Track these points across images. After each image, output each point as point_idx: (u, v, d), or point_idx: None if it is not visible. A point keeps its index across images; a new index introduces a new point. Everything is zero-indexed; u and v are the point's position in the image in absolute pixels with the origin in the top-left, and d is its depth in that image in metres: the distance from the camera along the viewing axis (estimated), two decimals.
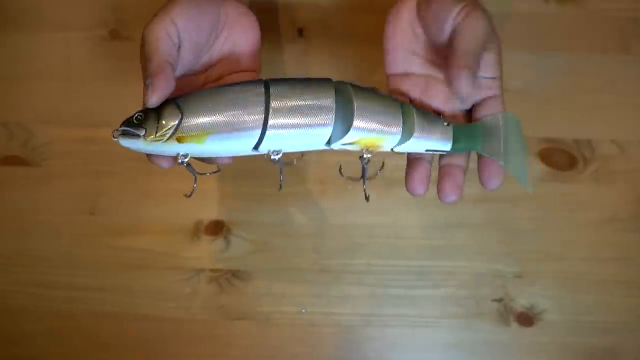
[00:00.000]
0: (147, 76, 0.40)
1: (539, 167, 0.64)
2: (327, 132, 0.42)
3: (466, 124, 0.45)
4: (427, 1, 0.46)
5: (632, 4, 0.67)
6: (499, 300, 0.62)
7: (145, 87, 0.40)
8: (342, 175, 0.46)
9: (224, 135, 0.41)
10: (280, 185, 0.45)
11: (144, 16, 0.66)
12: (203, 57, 0.46)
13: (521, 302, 0.62)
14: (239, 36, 0.47)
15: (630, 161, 0.64)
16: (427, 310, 0.62)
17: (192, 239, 0.64)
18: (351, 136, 0.42)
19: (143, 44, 0.42)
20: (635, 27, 0.67)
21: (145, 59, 0.41)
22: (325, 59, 0.67)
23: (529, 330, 0.62)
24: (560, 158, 0.65)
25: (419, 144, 0.44)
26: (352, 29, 0.68)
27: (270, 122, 0.41)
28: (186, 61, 0.44)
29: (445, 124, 0.44)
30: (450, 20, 0.44)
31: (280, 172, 0.44)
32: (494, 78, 0.45)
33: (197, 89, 0.46)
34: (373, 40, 0.67)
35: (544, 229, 0.63)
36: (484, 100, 0.45)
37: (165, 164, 0.43)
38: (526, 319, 0.62)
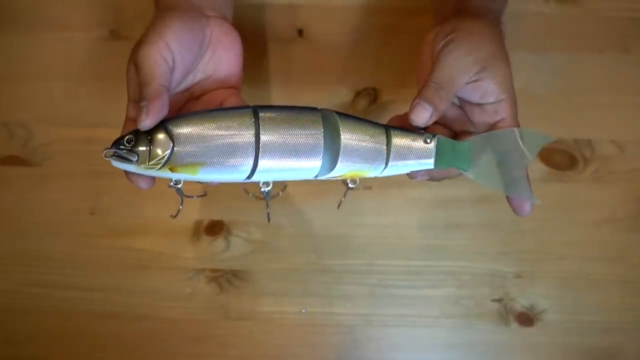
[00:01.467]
0: (142, 99, 0.40)
1: (539, 167, 0.64)
2: (315, 167, 0.43)
3: (454, 141, 0.45)
4: (436, 35, 0.46)
5: (631, 4, 0.67)
6: (499, 300, 0.62)
7: (140, 108, 0.40)
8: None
9: (216, 169, 0.41)
10: (269, 218, 0.47)
11: (143, 16, 0.67)
12: (188, 76, 0.47)
13: (521, 302, 0.62)
14: (222, 56, 0.48)
15: (630, 161, 0.64)
16: (427, 310, 0.62)
17: (192, 239, 0.64)
18: (337, 171, 0.43)
19: (138, 67, 0.42)
20: (634, 27, 0.67)
21: (141, 82, 0.41)
22: (325, 59, 0.67)
23: (529, 330, 0.62)
24: (560, 158, 0.65)
25: (399, 170, 0.44)
26: (351, 30, 0.68)
27: (261, 160, 0.42)
28: (175, 82, 0.44)
29: (428, 140, 0.43)
30: (435, 52, 0.45)
31: (267, 205, 0.45)
32: (498, 102, 0.44)
33: (180, 106, 0.46)
34: (372, 41, 0.67)
35: (544, 229, 0.63)
36: (493, 124, 0.45)
37: (143, 184, 0.43)
38: (526, 319, 0.62)
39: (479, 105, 0.45)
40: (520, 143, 0.44)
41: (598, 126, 0.65)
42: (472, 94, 0.45)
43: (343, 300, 0.63)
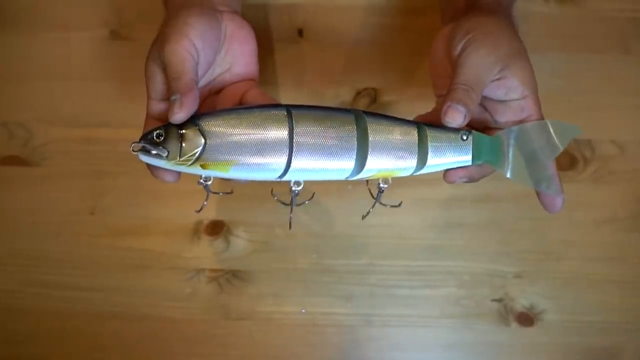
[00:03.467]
0: (174, 92, 0.40)
1: None
2: (348, 169, 0.43)
3: (488, 136, 0.44)
4: (452, 34, 0.46)
5: (632, 4, 0.67)
6: (499, 300, 0.62)
7: (171, 102, 0.40)
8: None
9: (248, 167, 0.41)
10: (290, 225, 0.46)
11: (144, 17, 0.67)
12: (208, 72, 0.47)
13: (521, 302, 0.62)
14: (238, 49, 0.48)
15: (630, 161, 0.64)
16: (427, 310, 0.62)
17: (192, 239, 0.64)
18: (368, 172, 0.43)
19: (166, 64, 0.42)
20: (635, 27, 0.67)
21: (171, 77, 0.41)
22: (325, 59, 0.67)
23: (529, 330, 0.62)
24: (560, 158, 0.64)
25: (436, 168, 0.44)
26: (351, 30, 0.68)
27: (294, 160, 0.42)
28: (198, 78, 0.44)
29: (464, 137, 0.43)
30: (455, 54, 0.45)
31: (291, 210, 0.45)
32: (523, 98, 0.44)
33: (201, 101, 0.46)
34: (372, 41, 0.67)
35: (544, 229, 0.63)
36: (519, 121, 0.45)
37: (170, 177, 0.43)
38: (526, 319, 0.62)
39: (503, 102, 0.45)
40: (553, 135, 0.44)
41: (598, 126, 0.65)
42: (496, 92, 0.45)
43: (343, 300, 0.63)
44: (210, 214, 0.64)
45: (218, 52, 0.47)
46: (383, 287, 0.63)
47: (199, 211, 0.46)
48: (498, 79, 0.44)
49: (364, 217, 0.47)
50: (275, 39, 0.67)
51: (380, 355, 0.62)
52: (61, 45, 0.68)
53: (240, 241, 0.64)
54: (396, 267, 0.63)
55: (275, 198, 0.47)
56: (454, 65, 0.44)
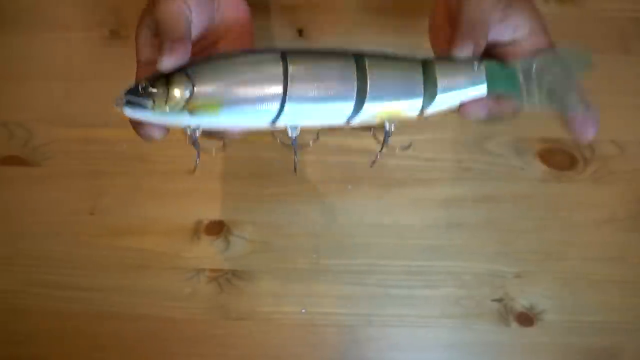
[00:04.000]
0: (165, 42, 0.39)
1: (539, 167, 0.64)
2: (347, 107, 0.40)
3: (501, 64, 0.43)
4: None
5: (632, 4, 0.67)
6: (499, 300, 0.62)
7: (162, 50, 0.39)
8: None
9: (239, 108, 0.39)
10: (295, 167, 0.43)
11: None
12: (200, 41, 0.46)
13: (521, 302, 0.62)
14: (229, 9, 0.47)
15: (630, 161, 0.64)
16: (427, 310, 0.62)
17: (192, 239, 0.64)
18: (369, 111, 0.40)
19: (159, 22, 0.41)
20: (635, 27, 0.67)
21: (163, 32, 0.40)
22: None
23: (529, 330, 0.62)
24: (560, 158, 0.65)
25: (448, 100, 0.42)
26: (351, 30, 0.68)
27: (289, 96, 0.39)
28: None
29: (476, 67, 0.42)
30: (454, 2, 0.44)
31: (295, 152, 0.42)
32: (533, 34, 0.43)
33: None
34: (372, 41, 0.67)
35: (544, 229, 0.63)
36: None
37: (156, 133, 0.41)
38: (526, 319, 0.62)
39: (512, 42, 0.44)
40: (569, 61, 0.43)
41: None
42: (503, 33, 0.43)
43: (343, 300, 0.63)
44: (210, 214, 0.64)
45: (212, 20, 0.46)
46: (383, 287, 0.63)
47: (193, 171, 0.44)
48: (503, 19, 0.43)
49: (372, 164, 0.44)
50: (276, 39, 0.67)
51: (380, 356, 0.62)
52: (61, 45, 0.68)
53: (240, 241, 0.64)
54: (396, 267, 0.63)
55: (278, 139, 0.44)
56: (456, 13, 0.43)
